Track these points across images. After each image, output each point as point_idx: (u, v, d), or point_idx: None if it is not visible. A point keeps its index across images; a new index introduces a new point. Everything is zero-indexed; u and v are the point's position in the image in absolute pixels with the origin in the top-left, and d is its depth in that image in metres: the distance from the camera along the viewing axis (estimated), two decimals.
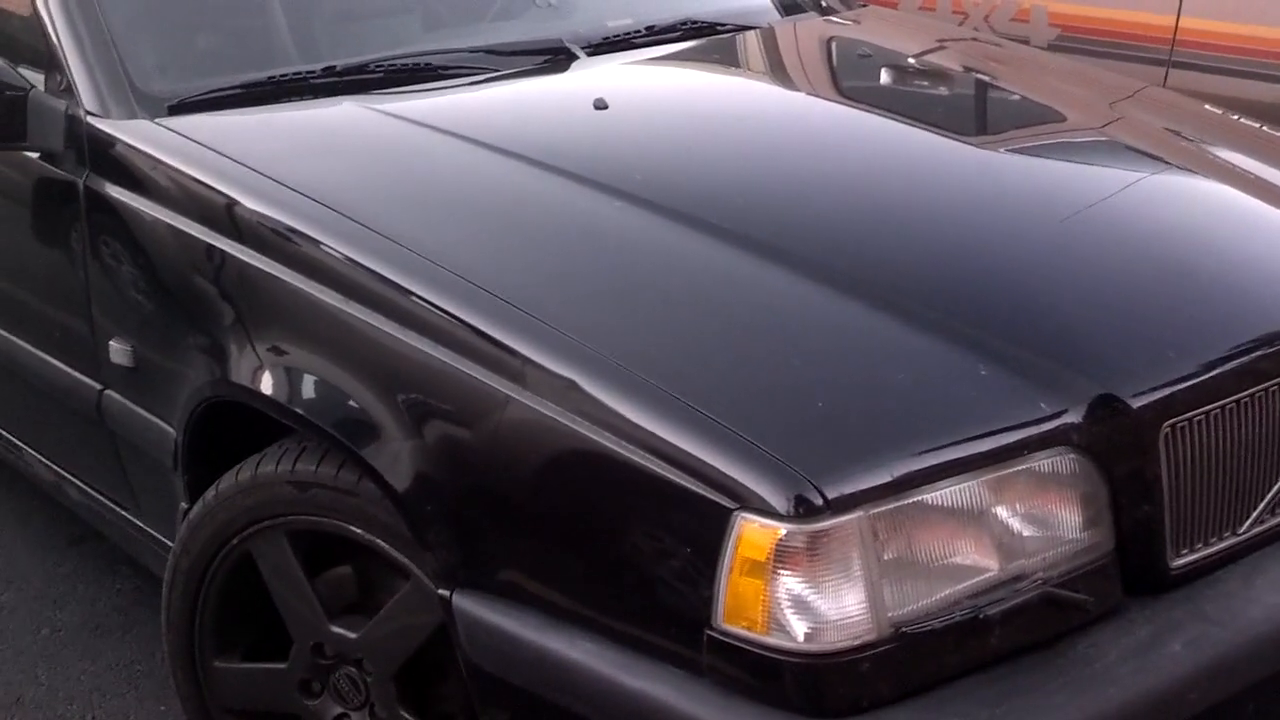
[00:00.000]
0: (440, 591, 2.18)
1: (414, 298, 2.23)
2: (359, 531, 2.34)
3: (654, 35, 3.27)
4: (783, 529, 1.87)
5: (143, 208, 2.65)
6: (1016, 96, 3.30)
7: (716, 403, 1.98)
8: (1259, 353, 2.24)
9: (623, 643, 2.02)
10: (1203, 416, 2.14)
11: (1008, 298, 2.30)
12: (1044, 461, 2.02)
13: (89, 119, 2.76)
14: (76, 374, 2.92)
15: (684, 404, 1.98)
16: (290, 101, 2.84)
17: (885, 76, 3.38)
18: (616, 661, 2.02)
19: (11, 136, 2.79)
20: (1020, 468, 2.00)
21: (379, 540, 2.31)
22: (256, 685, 2.59)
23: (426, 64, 3.00)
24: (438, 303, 2.20)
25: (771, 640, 1.90)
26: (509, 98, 2.98)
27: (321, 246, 2.36)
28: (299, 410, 2.37)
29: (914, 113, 3.13)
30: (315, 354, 2.37)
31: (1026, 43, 4.55)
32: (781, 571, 1.88)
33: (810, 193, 2.62)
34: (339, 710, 2.49)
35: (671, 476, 1.94)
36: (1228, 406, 2.17)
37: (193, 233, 2.56)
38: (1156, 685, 2.00)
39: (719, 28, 3.39)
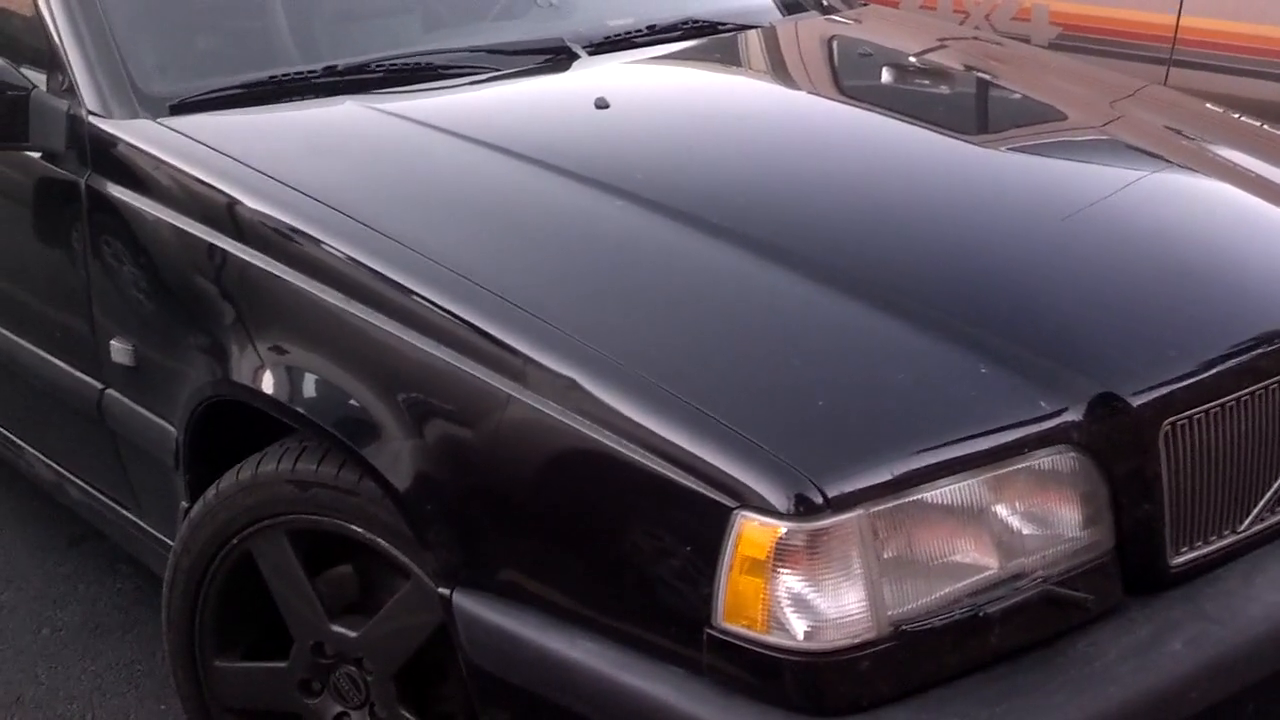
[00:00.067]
0: (440, 591, 2.18)
1: (415, 297, 2.23)
2: (359, 531, 2.34)
3: (655, 34, 3.27)
4: (783, 527, 1.87)
5: (144, 207, 2.66)
6: (1017, 95, 3.30)
7: (717, 402, 1.98)
8: (1259, 351, 2.24)
9: (623, 642, 2.02)
10: (1202, 415, 2.14)
11: (1008, 297, 2.30)
12: (1044, 460, 2.02)
13: (91, 119, 2.76)
14: (77, 373, 2.92)
15: (684, 403, 1.98)
16: (291, 101, 2.84)
17: (886, 75, 3.38)
18: (616, 661, 2.02)
19: (13, 136, 2.79)
20: (1020, 466, 2.00)
21: (379, 539, 2.31)
22: (257, 684, 2.59)
23: (428, 63, 3.00)
24: (439, 302, 2.21)
25: (771, 639, 1.90)
26: (510, 97, 2.98)
27: (323, 246, 2.37)
28: (300, 409, 2.37)
29: (915, 112, 3.13)
30: (316, 353, 2.38)
31: (1028, 41, 4.55)
32: (781, 570, 1.88)
33: (811, 192, 2.62)
34: (339, 709, 2.49)
35: (672, 475, 1.94)
36: (1227, 405, 2.17)
37: (194, 232, 2.56)
38: (1156, 684, 2.00)
39: (720, 27, 3.39)
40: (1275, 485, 2.24)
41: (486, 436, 2.14)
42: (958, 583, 1.96)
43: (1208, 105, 3.42)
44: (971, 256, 2.42)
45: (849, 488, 1.89)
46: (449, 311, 2.19)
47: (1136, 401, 2.09)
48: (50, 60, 2.86)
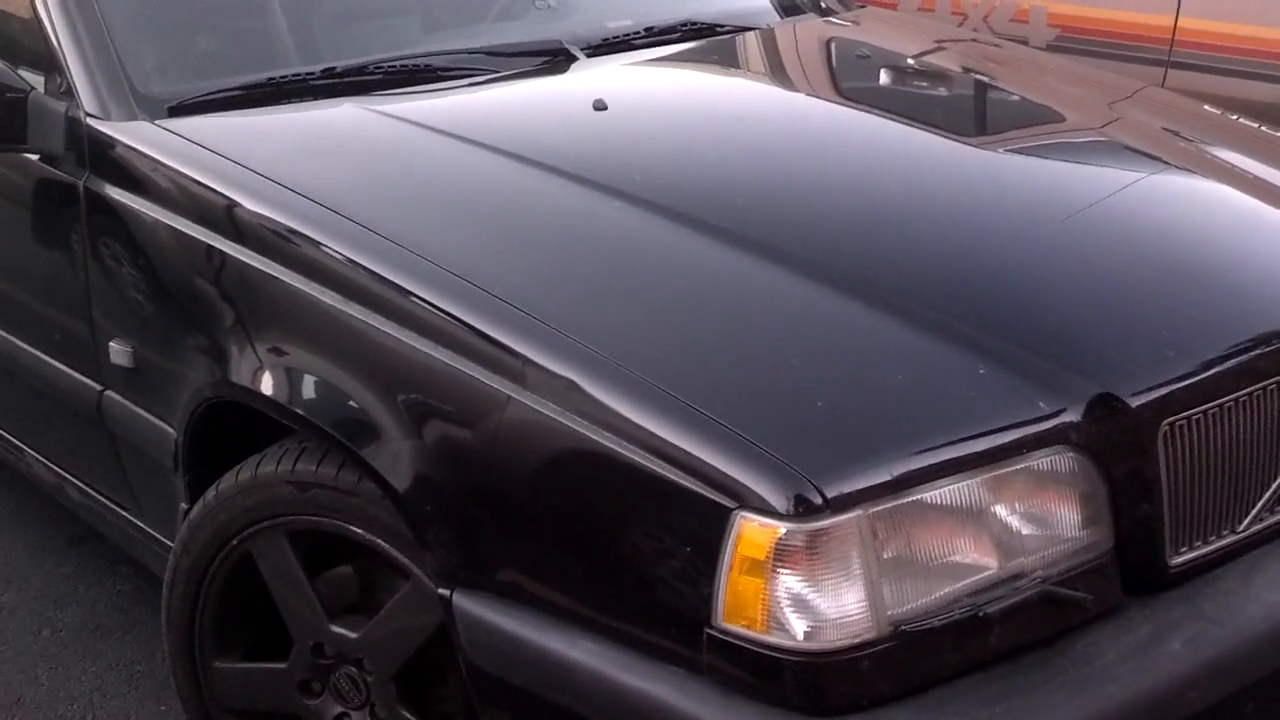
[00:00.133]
0: (440, 591, 2.19)
1: (414, 298, 2.23)
2: (359, 531, 2.34)
3: (653, 36, 3.27)
4: (782, 528, 1.87)
5: (143, 209, 2.66)
6: (1015, 97, 3.31)
7: (716, 402, 1.98)
8: (1257, 351, 2.24)
9: (623, 642, 2.02)
10: (1201, 415, 2.15)
11: (1007, 297, 2.30)
12: (1043, 460, 2.02)
13: (89, 121, 2.76)
14: (77, 375, 2.92)
15: (683, 404, 1.98)
16: (290, 103, 2.84)
17: (884, 77, 3.39)
18: (616, 661, 2.02)
19: (12, 139, 2.79)
20: (1019, 467, 2.01)
21: (379, 540, 2.32)
22: (257, 685, 2.59)
23: (426, 65, 3.00)
24: (438, 303, 2.21)
25: (771, 639, 1.90)
26: (509, 99, 2.98)
27: (322, 247, 2.37)
28: (299, 410, 2.37)
29: (913, 113, 3.13)
30: (315, 354, 2.38)
31: (1025, 43, 4.55)
32: (781, 570, 1.88)
33: (809, 193, 2.62)
34: (339, 710, 2.49)
35: (671, 476, 1.94)
36: (1226, 405, 2.17)
37: (193, 234, 2.56)
38: (1156, 684, 2.01)
39: (718, 29, 3.39)
40: (1274, 485, 2.25)
41: (486, 437, 2.14)
42: (957, 583, 1.97)
43: (1205, 107, 3.42)
44: (970, 257, 2.42)
45: (848, 488, 1.89)
46: (448, 313, 2.19)
47: (1135, 402, 2.10)
48: (48, 62, 2.86)
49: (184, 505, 2.63)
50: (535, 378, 2.08)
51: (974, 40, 4.13)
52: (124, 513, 3.00)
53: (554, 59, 3.11)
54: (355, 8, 3.30)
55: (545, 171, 2.55)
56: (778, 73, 3.39)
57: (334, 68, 2.93)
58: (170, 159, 2.64)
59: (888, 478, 1.91)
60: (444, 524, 2.18)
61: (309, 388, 2.39)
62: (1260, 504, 2.24)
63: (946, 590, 1.96)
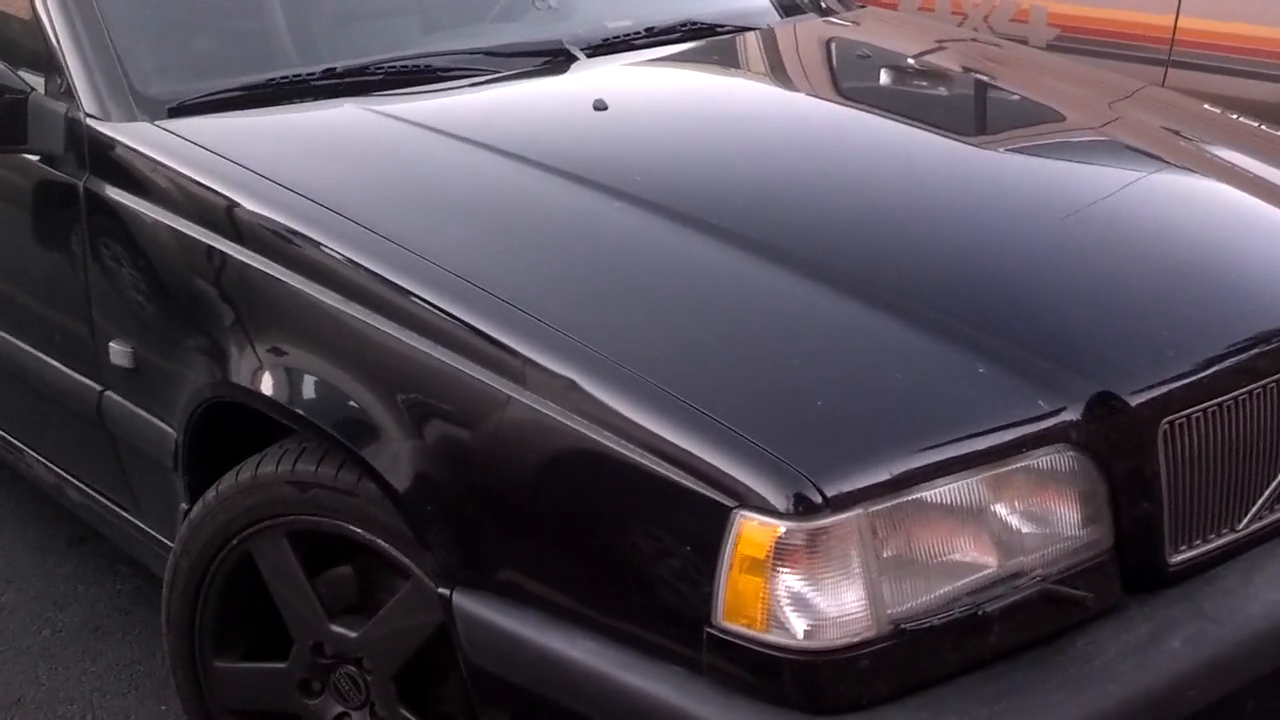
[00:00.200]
0: (440, 591, 2.19)
1: (414, 298, 2.23)
2: (359, 531, 2.34)
3: (654, 37, 3.28)
4: (782, 527, 1.87)
5: (143, 210, 2.66)
6: (1016, 97, 3.31)
7: (716, 402, 1.99)
8: (1256, 350, 2.24)
9: (623, 641, 2.02)
10: (1200, 414, 2.15)
11: (1006, 297, 2.30)
12: (1042, 459, 2.02)
13: (89, 122, 2.76)
14: (77, 375, 2.92)
15: (684, 403, 1.98)
16: (290, 103, 2.84)
17: (884, 77, 3.39)
18: (616, 660, 2.02)
19: (12, 139, 2.79)
20: (1019, 465, 2.01)
21: (379, 540, 2.32)
22: (257, 685, 2.59)
23: (426, 66, 3.01)
24: (438, 303, 2.21)
25: (771, 638, 1.90)
26: (509, 99, 2.98)
27: (322, 248, 2.37)
28: (299, 411, 2.37)
29: (913, 113, 3.13)
30: (315, 355, 2.38)
31: (1025, 43, 4.56)
32: (781, 569, 1.88)
33: (810, 193, 2.63)
34: (339, 709, 2.49)
35: (671, 475, 1.94)
36: (1225, 404, 2.17)
37: (193, 234, 2.56)
38: (1156, 682, 2.01)
39: (718, 29, 3.40)
40: (1273, 484, 2.25)
41: (486, 437, 2.14)
42: (957, 581, 1.97)
43: (1206, 106, 3.42)
44: (970, 257, 2.42)
45: (848, 487, 1.89)
46: (448, 313, 2.19)
47: (1135, 401, 2.10)
48: (48, 63, 2.86)
49: (184, 505, 2.63)
50: (535, 377, 2.08)
51: (974, 40, 4.12)
52: (124, 513, 3.00)
53: (554, 59, 3.11)
54: (355, 8, 3.30)
55: (545, 172, 2.55)
56: (778, 73, 3.39)
57: (334, 68, 2.93)
58: (170, 160, 2.64)
59: (887, 477, 1.91)
60: (444, 524, 2.18)
61: (309, 388, 2.39)
62: (1260, 502, 2.24)
63: (946, 589, 1.96)
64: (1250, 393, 2.20)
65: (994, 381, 2.09)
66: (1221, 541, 2.20)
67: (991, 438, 2.00)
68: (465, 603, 2.16)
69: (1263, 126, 3.20)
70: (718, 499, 1.90)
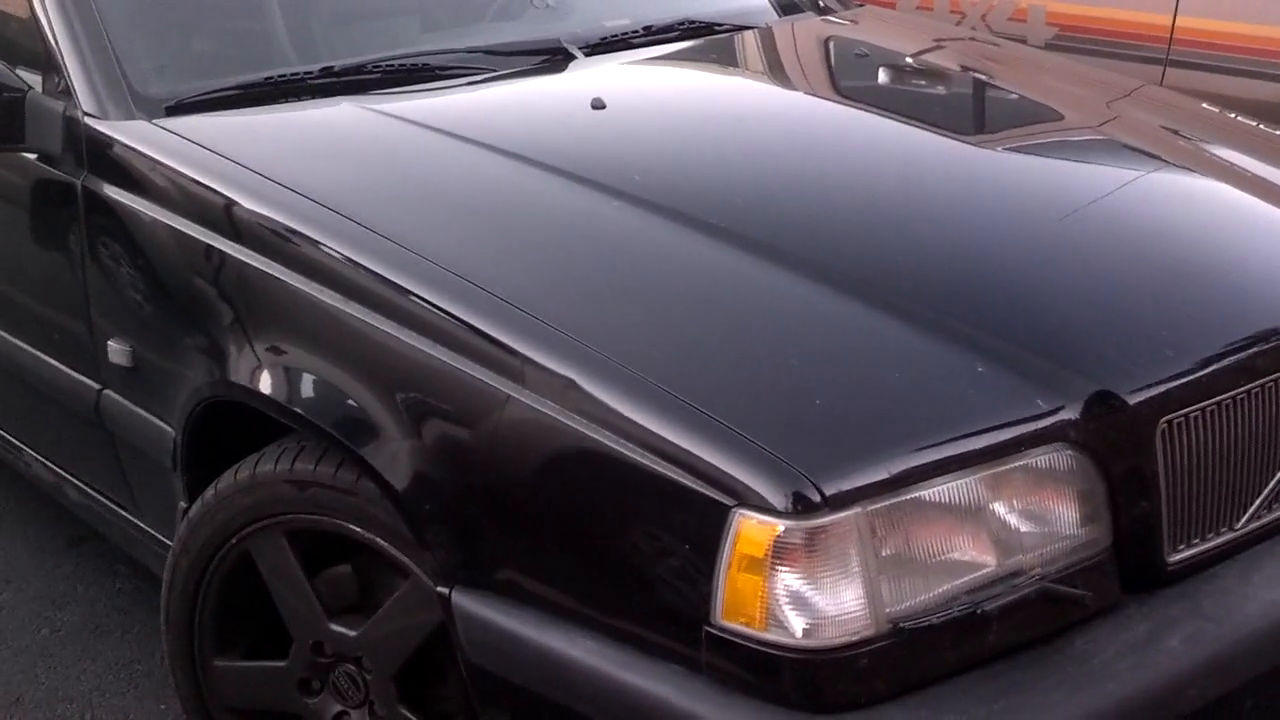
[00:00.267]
0: (439, 590, 2.19)
1: (413, 297, 2.23)
2: (358, 530, 2.34)
3: (652, 35, 3.28)
4: (781, 525, 1.87)
5: (141, 209, 2.66)
6: (1014, 96, 3.31)
7: (715, 401, 1.99)
8: (1255, 349, 2.24)
9: (622, 640, 2.03)
10: (1199, 413, 2.15)
11: (1005, 296, 2.30)
12: (1041, 458, 2.02)
13: (87, 120, 2.76)
14: (75, 374, 2.92)
15: (683, 402, 1.98)
16: (288, 102, 2.84)
17: (883, 76, 3.39)
18: (616, 659, 2.02)
19: (9, 138, 2.79)
20: (1017, 464, 2.01)
21: (378, 539, 2.32)
22: (256, 684, 2.59)
23: (424, 64, 3.01)
24: (436, 302, 2.21)
25: (770, 636, 1.90)
26: (507, 98, 2.98)
27: (320, 247, 2.37)
28: (298, 410, 2.37)
29: (911, 112, 3.13)
30: (314, 354, 2.38)
31: (1024, 42, 4.56)
32: (780, 568, 1.88)
33: (808, 192, 2.63)
34: (338, 708, 2.49)
35: (670, 474, 1.94)
36: (1224, 403, 2.17)
37: (191, 233, 2.56)
38: (1154, 681, 2.01)
39: (716, 28, 3.40)
40: (1272, 483, 2.25)
41: (485, 436, 2.14)
42: (955, 580, 1.97)
43: (1204, 105, 3.42)
44: (968, 256, 2.42)
45: (847, 486, 1.89)
46: (447, 312, 2.19)
47: (1133, 400, 2.10)
48: (46, 62, 2.86)
49: (183, 504, 2.63)
50: (534, 377, 2.08)
51: (972, 39, 4.12)
52: (123, 512, 3.00)
53: (552, 58, 3.11)
54: (353, 7, 3.30)
55: (544, 171, 2.55)
56: (776, 72, 3.40)
57: (332, 67, 2.93)
58: (168, 158, 2.64)
59: (886, 475, 1.91)
60: (443, 523, 2.18)
61: (308, 387, 2.39)
62: (1258, 501, 2.24)
63: (945, 588, 1.96)
64: (1249, 392, 2.20)
65: (992, 381, 2.09)
66: (1220, 540, 2.20)
67: (990, 437, 2.00)
68: (464, 602, 2.16)
69: (1261, 126, 3.20)
70: (717, 498, 1.90)
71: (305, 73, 2.91)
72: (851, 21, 3.67)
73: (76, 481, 3.14)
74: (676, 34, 3.32)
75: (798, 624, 1.90)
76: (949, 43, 3.76)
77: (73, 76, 2.80)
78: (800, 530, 1.87)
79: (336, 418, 2.32)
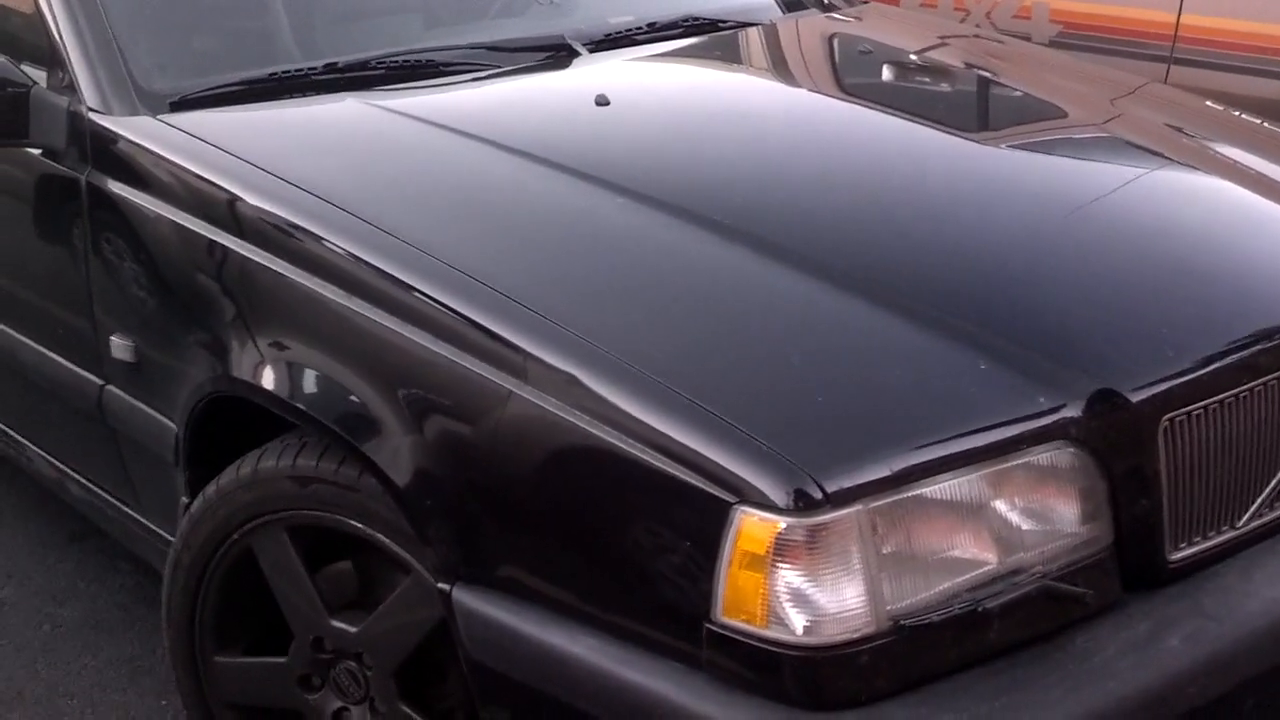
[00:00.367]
0: (440, 586, 2.19)
1: (416, 293, 2.23)
2: (359, 526, 2.34)
3: (656, 32, 3.27)
4: (782, 522, 1.87)
5: (145, 204, 2.66)
6: (1018, 93, 3.30)
7: (717, 398, 1.98)
8: (1258, 347, 2.24)
9: (623, 637, 2.03)
10: (1201, 411, 2.14)
11: (1007, 294, 2.30)
12: (1043, 456, 2.02)
13: (91, 115, 2.76)
14: (78, 370, 2.92)
15: (685, 399, 1.98)
16: (292, 98, 2.84)
17: (887, 73, 3.39)
18: (616, 656, 2.02)
19: (14, 133, 2.80)
20: (1019, 462, 2.00)
21: (379, 535, 2.32)
22: (257, 680, 2.59)
23: (428, 60, 3.01)
24: (439, 298, 2.21)
25: (770, 633, 1.90)
26: (511, 94, 2.99)
27: (323, 242, 2.37)
28: (300, 405, 2.37)
29: (915, 109, 3.13)
30: (317, 349, 2.38)
31: (1028, 39, 4.55)
32: (781, 565, 1.88)
33: (811, 190, 2.62)
34: (339, 704, 2.49)
35: (671, 471, 1.94)
36: (1226, 401, 2.17)
37: (195, 229, 2.56)
38: (1155, 680, 2.01)
39: (721, 24, 3.40)
40: (1274, 481, 2.24)
41: (487, 432, 2.14)
42: (957, 578, 1.97)
43: (1208, 103, 3.42)
44: (971, 254, 2.42)
45: (848, 483, 1.89)
46: (449, 307, 2.19)
47: (1135, 398, 2.10)
48: (50, 57, 2.87)
49: (185, 500, 2.63)
50: (536, 373, 2.08)
51: (976, 36, 4.12)
52: (125, 508, 3.00)
53: (556, 54, 3.11)
54: (357, 4, 3.30)
55: (547, 167, 2.55)
56: (780, 69, 3.39)
57: (336, 63, 2.93)
58: (172, 154, 2.65)
59: (887, 473, 1.91)
60: (444, 519, 2.18)
61: (310, 382, 2.39)
62: (1260, 500, 2.24)
63: (946, 585, 1.96)
64: (1251, 390, 2.20)
65: (994, 378, 2.09)
66: (1221, 539, 2.20)
67: (992, 434, 2.00)
68: (465, 598, 2.16)
69: (1265, 123, 3.20)
70: (718, 494, 1.90)
71: (309, 69, 2.91)
72: (855, 18, 3.66)
73: (78, 477, 3.14)
74: (680, 31, 3.32)
75: (799, 621, 1.90)
76: (953, 40, 3.75)
77: (77, 72, 2.81)
78: (802, 527, 1.87)
79: (339, 413, 2.32)
